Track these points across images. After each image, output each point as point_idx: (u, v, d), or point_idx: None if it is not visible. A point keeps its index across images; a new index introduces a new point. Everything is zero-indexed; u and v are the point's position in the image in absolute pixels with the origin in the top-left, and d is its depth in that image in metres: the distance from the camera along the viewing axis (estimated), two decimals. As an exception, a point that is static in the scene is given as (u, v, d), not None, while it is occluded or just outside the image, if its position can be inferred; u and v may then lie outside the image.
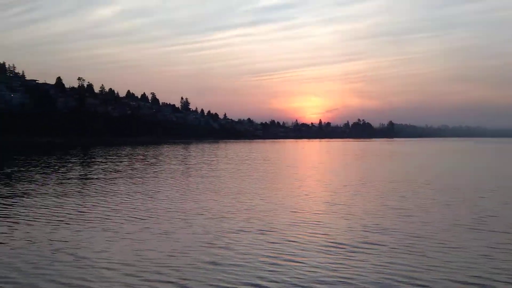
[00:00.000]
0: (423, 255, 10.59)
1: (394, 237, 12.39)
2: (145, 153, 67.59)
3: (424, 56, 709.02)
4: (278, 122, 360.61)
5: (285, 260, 10.16)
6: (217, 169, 37.13)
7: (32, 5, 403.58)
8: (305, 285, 8.64)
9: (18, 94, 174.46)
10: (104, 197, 20.24)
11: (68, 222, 14.38)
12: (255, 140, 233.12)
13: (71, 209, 16.92)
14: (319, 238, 12.19)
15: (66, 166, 39.18)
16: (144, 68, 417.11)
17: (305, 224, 14.07)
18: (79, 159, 50.78)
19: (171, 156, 60.43)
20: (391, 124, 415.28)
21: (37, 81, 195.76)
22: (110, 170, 35.13)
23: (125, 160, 49.82)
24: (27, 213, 15.96)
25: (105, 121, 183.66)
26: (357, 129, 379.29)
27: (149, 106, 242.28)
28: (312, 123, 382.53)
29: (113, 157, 54.81)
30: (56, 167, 37.45)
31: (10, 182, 25.88)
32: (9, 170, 34.27)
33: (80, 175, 31.01)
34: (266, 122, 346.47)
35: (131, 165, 40.62)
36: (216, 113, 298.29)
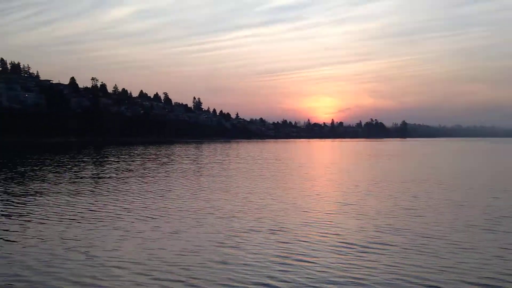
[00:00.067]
0: (436, 256, 10.49)
1: (406, 237, 12.29)
2: (157, 153, 67.87)
3: (437, 56, 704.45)
4: (290, 122, 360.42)
5: (296, 260, 10.12)
6: (229, 168, 37.16)
7: (47, 7, 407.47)
8: (316, 285, 8.60)
9: (32, 94, 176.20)
10: (116, 196, 20.35)
11: (80, 221, 14.47)
12: (267, 140, 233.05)
13: (83, 208, 17.03)
14: (330, 238, 12.13)
15: (79, 165, 39.48)
16: (157, 68, 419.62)
17: (316, 224, 14.02)
18: (92, 159, 51.13)
19: (183, 155, 60.62)
20: (404, 124, 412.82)
21: (51, 81, 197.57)
22: (122, 169, 35.32)
23: (137, 159, 50.07)
24: (40, 212, 16.09)
25: (118, 121, 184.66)
26: (369, 129, 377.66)
27: (161, 106, 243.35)
28: (324, 123, 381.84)
29: (126, 157, 55.13)
30: (69, 166, 37.75)
31: (24, 181, 26.13)
32: (22, 169, 34.61)
33: (93, 174, 31.22)
34: (278, 122, 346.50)
35: (143, 165, 40.82)
36: (228, 113, 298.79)
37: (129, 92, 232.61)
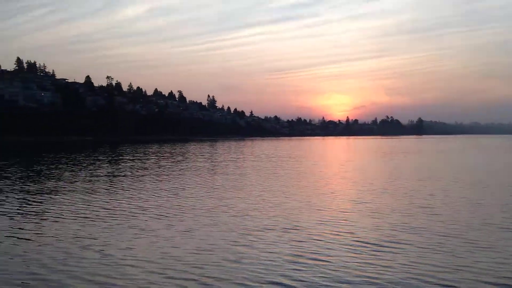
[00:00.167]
0: (452, 255, 10.34)
1: (422, 236, 12.14)
2: (172, 151, 68.16)
3: (454, 52, 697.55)
4: (304, 120, 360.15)
5: (310, 258, 10.05)
6: (243, 166, 37.16)
7: (62, 6, 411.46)
8: (331, 284, 8.53)
9: (48, 93, 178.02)
10: (130, 194, 20.45)
11: (95, 219, 14.56)
12: (281, 138, 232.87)
13: (98, 206, 17.14)
14: (344, 237, 12.04)
15: (94, 163, 39.80)
16: (172, 67, 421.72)
17: (331, 222, 13.92)
18: (107, 157, 51.51)
19: (197, 153, 60.79)
20: (420, 121, 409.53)
21: (67, 80, 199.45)
22: (137, 167, 35.52)
23: (152, 157, 50.33)
24: (55, 210, 16.23)
25: (133, 119, 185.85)
26: (385, 126, 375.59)
27: (176, 104, 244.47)
28: (339, 120, 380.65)
29: (140, 155, 55.45)
30: (84, 165, 38.07)
31: (40, 180, 26.39)
32: (38, 168, 34.98)
33: (108, 172, 31.43)
34: (292, 120, 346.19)
35: (158, 163, 41.01)
36: (242, 111, 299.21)
37: (144, 90, 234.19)
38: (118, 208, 16.64)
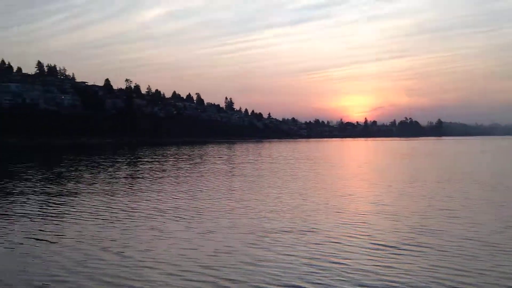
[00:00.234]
0: (473, 258, 10.20)
1: (442, 239, 12.00)
2: (190, 153, 68.48)
3: (473, 52, 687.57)
4: (322, 121, 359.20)
5: (328, 262, 10.00)
6: (261, 168, 37.17)
7: (81, 10, 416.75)
8: (348, 287, 8.48)
9: (68, 96, 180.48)
10: (149, 196, 20.59)
11: (114, 221, 14.69)
12: (299, 140, 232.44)
13: (117, 208, 17.29)
14: (363, 239, 11.95)
15: (114, 165, 40.18)
16: (190, 69, 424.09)
17: (349, 225, 13.84)
18: (126, 159, 51.97)
19: (215, 155, 60.99)
20: (439, 122, 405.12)
21: (86, 83, 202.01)
22: (156, 169, 35.76)
23: (171, 159, 50.63)
24: (75, 212, 16.41)
25: (152, 122, 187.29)
26: (404, 128, 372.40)
27: (194, 106, 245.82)
28: (357, 122, 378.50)
29: (159, 157, 55.82)
30: (104, 167, 38.46)
31: (60, 181, 26.73)
32: (59, 170, 35.43)
33: (127, 174, 31.71)
34: (310, 121, 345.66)
35: (177, 165, 41.24)
36: (260, 113, 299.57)
37: (162, 93, 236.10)
38: (137, 210, 16.77)
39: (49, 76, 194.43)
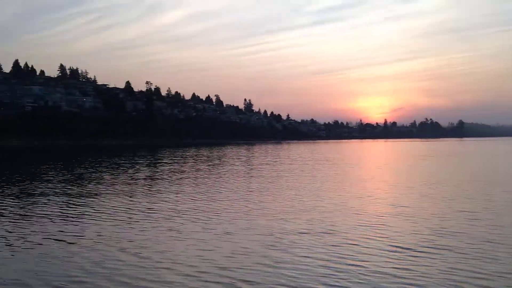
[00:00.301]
0: (493, 261, 10.02)
1: (462, 241, 11.82)
2: (209, 154, 68.73)
3: (495, 52, 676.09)
4: (341, 123, 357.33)
5: (346, 264, 9.92)
6: (280, 170, 37.11)
7: (103, 13, 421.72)
8: (367, 290, 8.42)
9: (90, 98, 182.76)
10: (168, 197, 20.71)
11: (133, 222, 14.79)
12: (318, 141, 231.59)
13: (136, 209, 17.42)
14: (381, 242, 11.84)
15: (134, 167, 40.52)
16: (209, 71, 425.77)
17: (367, 227, 13.72)
18: (146, 160, 52.38)
19: (234, 157, 61.10)
20: (460, 123, 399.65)
21: (107, 86, 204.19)
22: (175, 171, 35.95)
23: (190, 161, 50.87)
24: (95, 213, 16.57)
25: (172, 123, 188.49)
26: (424, 129, 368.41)
27: (213, 108, 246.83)
28: (377, 123, 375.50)
29: (178, 158, 56.13)
30: (124, 168, 38.81)
31: (81, 183, 27.05)
32: (80, 171, 35.86)
33: (146, 176, 31.95)
34: (329, 123, 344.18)
35: (196, 166, 41.41)
36: (279, 114, 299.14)
37: (182, 95, 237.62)
38: (155, 211, 16.88)
39: (71, 79, 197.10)
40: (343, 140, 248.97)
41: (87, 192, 22.54)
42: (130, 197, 20.91)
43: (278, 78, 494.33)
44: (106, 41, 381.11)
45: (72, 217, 15.77)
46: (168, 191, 22.85)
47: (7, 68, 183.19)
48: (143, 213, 16.56)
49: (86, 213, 16.61)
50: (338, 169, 37.82)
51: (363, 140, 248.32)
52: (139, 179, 29.53)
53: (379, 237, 12.38)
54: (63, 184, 26.03)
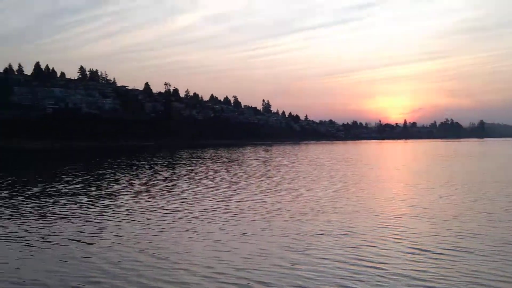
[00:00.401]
0: (516, 264, 9.83)
1: (483, 243, 11.62)
2: (227, 155, 68.84)
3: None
4: (360, 123, 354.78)
5: (364, 266, 9.81)
6: (298, 170, 36.98)
7: (122, 15, 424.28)
8: (386, 292, 8.31)
9: (109, 99, 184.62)
10: (186, 198, 20.77)
11: (151, 223, 14.86)
12: (336, 142, 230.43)
13: (154, 209, 17.49)
14: (401, 244, 11.69)
15: (152, 168, 40.77)
16: (227, 72, 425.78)
17: (386, 228, 13.57)
18: (165, 161, 52.68)
19: (252, 158, 61.11)
20: (481, 123, 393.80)
21: (127, 87, 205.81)
22: (193, 171, 36.07)
23: (208, 162, 51.01)
24: (113, 213, 16.69)
25: (190, 124, 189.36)
26: (444, 129, 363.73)
27: (231, 109, 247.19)
28: (396, 124, 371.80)
29: (197, 159, 56.33)
30: (143, 169, 39.08)
31: (100, 183, 27.29)
32: (99, 172, 36.20)
33: (165, 176, 32.11)
34: (348, 123, 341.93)
35: (214, 167, 41.49)
36: (297, 115, 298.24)
37: (200, 96, 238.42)
38: (173, 212, 16.94)
39: (91, 81, 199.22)
40: (362, 141, 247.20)
41: (105, 193, 22.72)
42: (148, 198, 21.02)
43: (297, 79, 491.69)
44: (125, 43, 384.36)
45: (91, 218, 15.90)
46: (186, 192, 22.92)
47: (28, 71, 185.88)
48: (161, 214, 16.63)
49: (105, 213, 16.74)
50: (356, 170, 37.55)
51: (382, 141, 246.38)
52: (157, 180, 29.70)
53: (398, 238, 12.23)
54: (82, 185, 26.30)
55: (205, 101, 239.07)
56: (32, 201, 20.13)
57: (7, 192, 23.38)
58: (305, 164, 45.45)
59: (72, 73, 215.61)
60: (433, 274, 9.19)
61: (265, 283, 8.86)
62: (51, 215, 16.58)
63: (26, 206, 18.52)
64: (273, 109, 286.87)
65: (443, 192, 21.88)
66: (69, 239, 12.58)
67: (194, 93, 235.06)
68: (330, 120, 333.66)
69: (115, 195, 21.86)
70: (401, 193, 22.16)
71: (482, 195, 20.60)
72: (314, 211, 16.76)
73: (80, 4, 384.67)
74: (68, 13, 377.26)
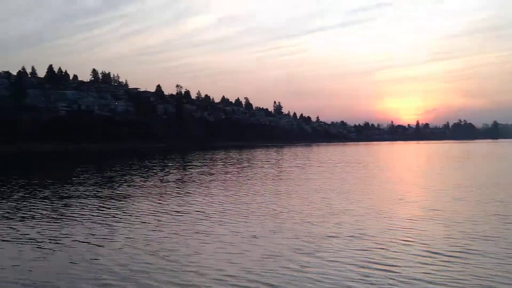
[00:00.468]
0: (531, 267, 9.67)
1: (496, 246, 11.46)
2: (238, 157, 68.88)
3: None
4: (372, 124, 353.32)
5: (375, 269, 9.71)
6: (309, 172, 36.88)
7: (133, 18, 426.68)
8: (397, 296, 8.22)
9: (122, 102, 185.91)
10: (197, 200, 20.78)
11: (162, 225, 14.86)
12: (348, 143, 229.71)
13: (165, 211, 17.51)
14: (413, 246, 11.56)
15: (164, 170, 40.90)
16: (238, 74, 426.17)
17: (398, 231, 13.44)
18: (176, 163, 52.84)
19: (263, 159, 61.06)
20: (495, 124, 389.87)
21: (139, 89, 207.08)
22: (204, 173, 36.12)
23: (219, 163, 51.06)
24: (124, 215, 16.74)
25: (202, 126, 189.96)
26: (457, 130, 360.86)
27: (242, 111, 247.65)
28: (408, 125, 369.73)
29: (208, 161, 56.44)
30: (154, 171, 39.21)
31: (112, 185, 27.41)
32: (111, 174, 36.39)
33: (176, 178, 32.18)
34: (359, 125, 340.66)
35: (225, 169, 41.52)
36: (308, 116, 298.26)
37: (211, 98, 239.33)
38: (184, 214, 16.95)
39: (103, 83, 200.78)
40: (374, 142, 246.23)
41: (117, 195, 22.82)
42: (159, 199, 21.06)
43: (308, 80, 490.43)
44: (137, 45, 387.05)
45: (102, 220, 15.95)
46: (196, 194, 22.95)
47: (41, 73, 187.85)
48: (171, 216, 16.65)
49: (116, 215, 16.80)
50: (368, 172, 37.36)
51: (394, 142, 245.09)
52: (168, 181, 29.77)
53: (409, 241, 12.11)
54: (94, 187, 26.44)
55: (217, 103, 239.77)
56: (43, 203, 20.27)
57: (19, 194, 23.58)
58: (316, 166, 45.32)
59: (85, 76, 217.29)
60: (445, 277, 9.08)
61: (275, 285, 8.81)
62: (62, 217, 16.68)
63: (37, 208, 18.65)
64: (285, 110, 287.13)
65: (455, 194, 21.67)
66: (80, 241, 12.63)
67: (206, 95, 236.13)
68: (342, 122, 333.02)
69: (126, 197, 21.94)
70: (413, 195, 21.97)
71: (496, 197, 20.35)
72: (325, 213, 16.68)
73: (92, 7, 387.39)
74: (81, 16, 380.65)
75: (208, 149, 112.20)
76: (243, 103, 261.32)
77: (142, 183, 28.84)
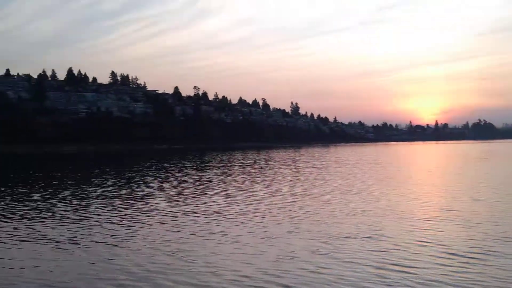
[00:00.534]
0: (552, 269, 9.51)
1: (517, 247, 11.30)
2: (256, 158, 68.92)
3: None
4: (390, 125, 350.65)
5: (393, 270, 9.64)
6: (327, 173, 36.73)
7: (152, 20, 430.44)
8: (415, 297, 8.15)
9: (140, 103, 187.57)
10: (214, 200, 20.83)
11: (180, 226, 14.92)
12: (366, 144, 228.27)
13: (183, 212, 17.59)
14: (432, 247, 11.45)
15: (182, 171, 41.10)
16: (255, 75, 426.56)
17: (417, 232, 13.33)
18: (194, 164, 53.05)
19: (280, 160, 61.00)
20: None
21: (157, 91, 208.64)
22: (222, 174, 36.22)
23: (237, 164, 51.14)
24: (142, 216, 16.86)
25: (219, 127, 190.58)
26: (477, 130, 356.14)
27: (260, 112, 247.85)
28: (427, 125, 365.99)
29: (226, 162, 56.56)
30: (172, 172, 39.42)
31: (130, 186, 27.63)
32: (129, 175, 36.68)
33: (194, 179, 32.31)
34: (377, 125, 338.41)
35: (242, 170, 41.58)
36: (326, 117, 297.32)
37: (229, 99, 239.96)
38: (202, 214, 17.00)
39: (122, 85, 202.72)
40: (392, 143, 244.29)
41: (135, 196, 22.99)
42: (177, 200, 21.16)
43: (325, 81, 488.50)
44: (155, 47, 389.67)
45: (120, 221, 16.09)
46: (214, 195, 23.01)
47: (61, 76, 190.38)
48: (189, 216, 16.73)
49: (135, 216, 16.93)
50: (386, 172, 37.08)
51: (413, 143, 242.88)
52: (186, 182, 29.91)
53: (427, 242, 12.00)
54: (113, 188, 26.68)
55: (234, 104, 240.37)
56: (63, 203, 20.51)
57: (39, 195, 23.89)
58: (333, 167, 45.14)
59: (104, 78, 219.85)
60: (464, 279, 8.98)
61: (291, 286, 8.80)
62: (81, 217, 16.86)
63: (57, 209, 18.88)
64: (302, 111, 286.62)
65: (475, 195, 21.39)
66: (98, 242, 12.76)
67: (223, 96, 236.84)
68: (360, 122, 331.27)
69: (144, 198, 22.10)
70: (432, 195, 21.77)
71: (516, 198, 20.05)
72: (342, 214, 16.60)
73: (110, 10, 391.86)
74: (99, 19, 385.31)
75: (225, 150, 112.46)
76: (260, 104, 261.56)
77: (160, 184, 29.03)
